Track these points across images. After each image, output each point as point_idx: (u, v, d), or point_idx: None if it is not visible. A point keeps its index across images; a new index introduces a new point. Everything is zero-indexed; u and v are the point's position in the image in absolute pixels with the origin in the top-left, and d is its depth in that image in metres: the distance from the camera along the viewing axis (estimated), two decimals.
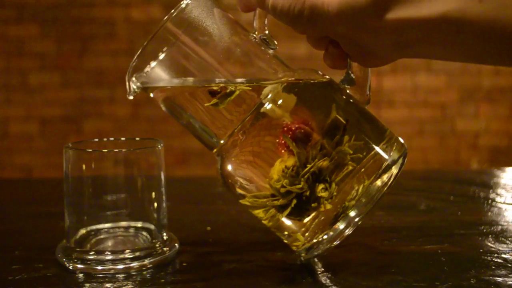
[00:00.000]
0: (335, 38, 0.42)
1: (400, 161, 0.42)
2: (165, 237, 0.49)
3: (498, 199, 0.70)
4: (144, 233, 0.50)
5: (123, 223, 0.50)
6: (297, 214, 0.42)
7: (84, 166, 0.48)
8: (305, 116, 0.42)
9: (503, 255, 0.47)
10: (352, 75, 0.44)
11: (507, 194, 0.73)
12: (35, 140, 2.41)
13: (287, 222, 0.43)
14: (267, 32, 0.45)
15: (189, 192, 0.80)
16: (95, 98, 2.39)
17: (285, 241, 0.44)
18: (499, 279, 0.42)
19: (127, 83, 0.44)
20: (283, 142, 0.41)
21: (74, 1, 2.39)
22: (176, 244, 0.50)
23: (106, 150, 0.48)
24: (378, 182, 0.41)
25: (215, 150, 0.45)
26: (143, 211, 0.50)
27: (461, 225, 0.59)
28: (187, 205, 0.70)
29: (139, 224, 0.50)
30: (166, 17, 0.42)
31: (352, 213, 0.41)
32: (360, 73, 0.45)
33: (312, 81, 0.44)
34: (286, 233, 0.44)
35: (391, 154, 0.42)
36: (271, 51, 0.45)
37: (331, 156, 0.40)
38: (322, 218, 0.41)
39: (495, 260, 0.46)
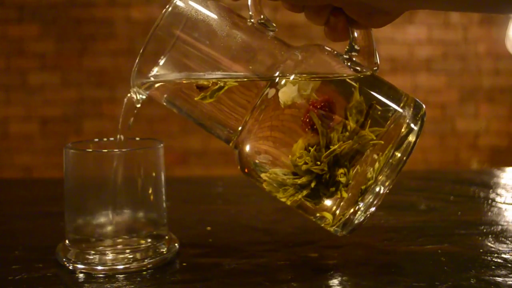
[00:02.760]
0: (337, 3, 0.41)
1: (419, 123, 0.42)
2: (165, 237, 0.49)
3: (498, 199, 0.70)
4: (144, 233, 0.50)
5: (123, 223, 0.50)
6: (315, 197, 0.42)
7: (84, 166, 0.48)
8: (329, 95, 0.41)
9: (503, 255, 0.47)
10: (356, 46, 0.44)
11: (507, 194, 0.73)
12: (35, 140, 2.41)
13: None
14: (263, 16, 0.44)
15: (189, 192, 0.80)
16: (95, 98, 2.39)
17: (318, 222, 0.44)
18: (499, 279, 0.42)
19: (132, 91, 0.44)
20: (307, 120, 0.41)
21: (74, 1, 2.38)
22: (176, 244, 0.50)
23: (106, 150, 0.48)
24: (398, 152, 0.41)
25: (231, 143, 0.44)
26: (143, 211, 0.50)
27: (461, 225, 0.59)
28: (187, 205, 0.70)
29: (139, 224, 0.50)
30: (161, 14, 0.41)
31: (377, 188, 0.41)
32: (363, 42, 0.44)
33: (332, 77, 0.44)
34: (318, 214, 0.43)
35: (409, 115, 0.42)
36: (271, 33, 0.45)
37: (354, 140, 0.40)
38: (350, 194, 0.41)
39: (495, 260, 0.46)
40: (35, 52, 2.38)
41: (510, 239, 0.52)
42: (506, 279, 0.42)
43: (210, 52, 0.43)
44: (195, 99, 0.43)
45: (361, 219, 0.42)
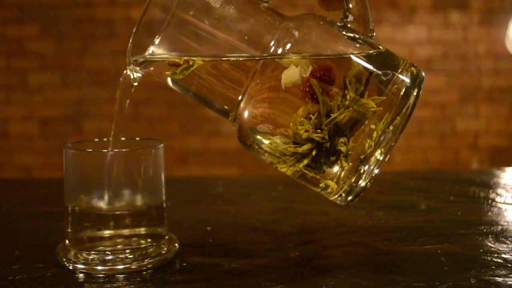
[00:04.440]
0: None
1: (417, 88, 0.42)
2: (165, 237, 0.49)
3: (498, 199, 0.70)
4: (144, 233, 0.50)
5: (123, 223, 0.50)
6: (315, 166, 0.42)
7: (84, 166, 0.48)
8: (328, 63, 0.42)
9: (503, 255, 0.47)
10: (350, 15, 0.44)
11: (507, 194, 0.73)
12: (35, 140, 2.41)
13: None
14: None
15: (189, 192, 0.80)
16: (95, 98, 2.38)
17: (322, 193, 0.44)
18: (499, 279, 0.42)
19: (128, 69, 0.44)
20: (307, 89, 0.41)
21: (74, 1, 2.38)
22: (176, 244, 0.50)
23: (106, 150, 0.48)
24: (398, 117, 0.41)
25: (230, 117, 0.44)
26: (143, 211, 0.50)
27: (461, 225, 0.59)
28: (187, 205, 0.70)
29: (139, 224, 0.50)
30: None
31: (377, 155, 0.42)
32: (358, 10, 0.44)
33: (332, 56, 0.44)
34: (321, 184, 0.43)
35: (407, 81, 0.42)
36: (265, 4, 0.44)
37: (354, 109, 0.40)
38: (351, 163, 0.42)
39: (495, 260, 0.46)
40: (35, 52, 2.38)
41: (510, 239, 0.52)
42: (506, 279, 0.42)
43: (205, 27, 0.43)
44: (166, 73, 0.43)
45: (364, 185, 0.43)
